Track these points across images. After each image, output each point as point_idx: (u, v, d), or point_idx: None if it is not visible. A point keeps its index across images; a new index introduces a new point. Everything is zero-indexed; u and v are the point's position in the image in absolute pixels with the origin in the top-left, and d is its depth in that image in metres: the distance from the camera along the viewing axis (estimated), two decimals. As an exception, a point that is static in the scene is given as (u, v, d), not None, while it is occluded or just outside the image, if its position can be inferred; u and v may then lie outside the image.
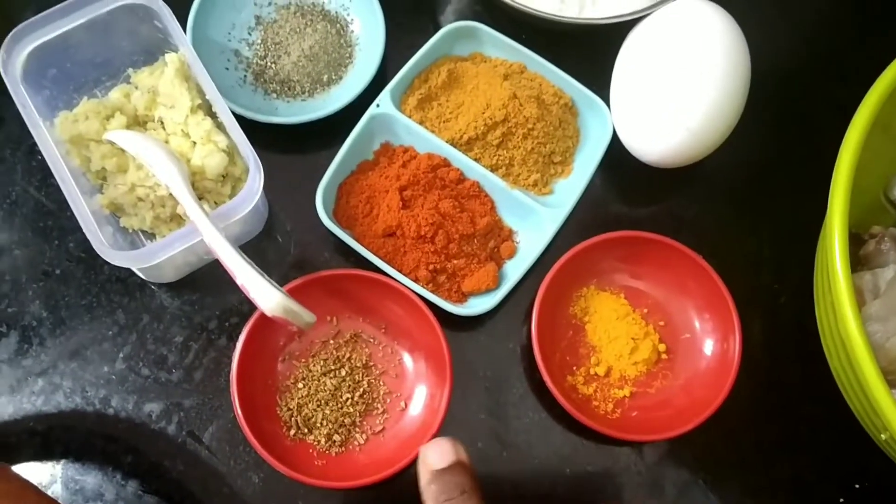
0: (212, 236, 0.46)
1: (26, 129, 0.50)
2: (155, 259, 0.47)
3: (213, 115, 0.53)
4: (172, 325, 0.54)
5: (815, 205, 0.53)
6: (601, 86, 0.57)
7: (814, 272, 0.52)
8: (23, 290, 0.54)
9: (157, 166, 0.49)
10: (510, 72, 0.57)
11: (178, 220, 0.53)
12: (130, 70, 0.56)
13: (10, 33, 0.50)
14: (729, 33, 0.52)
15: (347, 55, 0.59)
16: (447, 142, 0.55)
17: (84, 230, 0.47)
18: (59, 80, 0.54)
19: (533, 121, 0.54)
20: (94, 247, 0.46)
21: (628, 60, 0.54)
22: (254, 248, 0.55)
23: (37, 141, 0.49)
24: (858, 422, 0.50)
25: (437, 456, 0.38)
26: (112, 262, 0.46)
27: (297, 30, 0.58)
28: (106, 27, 0.53)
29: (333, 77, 0.58)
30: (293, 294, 0.46)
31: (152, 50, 0.56)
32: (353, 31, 0.59)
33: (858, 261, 0.53)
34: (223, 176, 0.53)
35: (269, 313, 0.44)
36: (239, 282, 0.45)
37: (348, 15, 0.59)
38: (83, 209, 0.47)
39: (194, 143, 0.52)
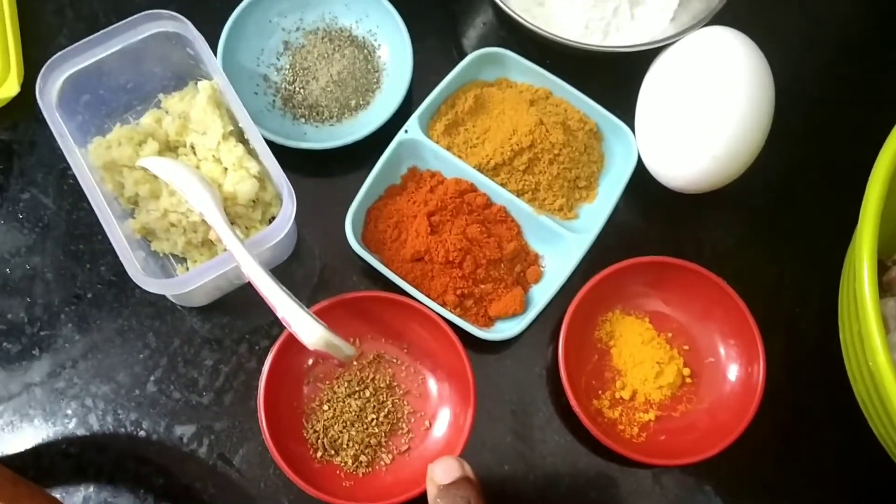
0: (250, 267, 0.46)
1: (58, 153, 0.51)
2: (189, 287, 0.48)
3: (244, 142, 0.54)
4: (203, 348, 0.54)
5: (836, 230, 0.54)
6: (626, 111, 0.57)
7: (837, 298, 0.53)
8: (55, 313, 0.55)
9: (191, 193, 0.49)
10: (536, 97, 0.57)
11: (209, 245, 0.54)
12: (161, 95, 0.57)
13: (47, 63, 0.50)
14: (753, 60, 0.53)
15: (375, 80, 0.59)
16: (474, 167, 0.55)
17: (119, 256, 0.47)
18: (92, 105, 0.55)
19: (559, 146, 0.55)
20: (130, 274, 0.47)
21: (653, 87, 0.55)
22: (282, 271, 0.56)
23: (72, 167, 0.50)
24: (883, 447, 0.50)
25: (443, 472, 0.41)
26: (147, 290, 0.47)
27: (326, 55, 0.59)
28: (139, 54, 0.53)
29: (361, 102, 0.59)
30: (318, 316, 0.46)
31: (183, 75, 0.57)
32: (380, 57, 0.60)
33: (882, 287, 0.53)
34: (254, 201, 0.53)
35: (310, 347, 0.44)
36: (279, 314, 0.45)
37: (375, 40, 0.60)
38: (118, 235, 0.48)
39: (226, 169, 0.53)
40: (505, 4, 0.55)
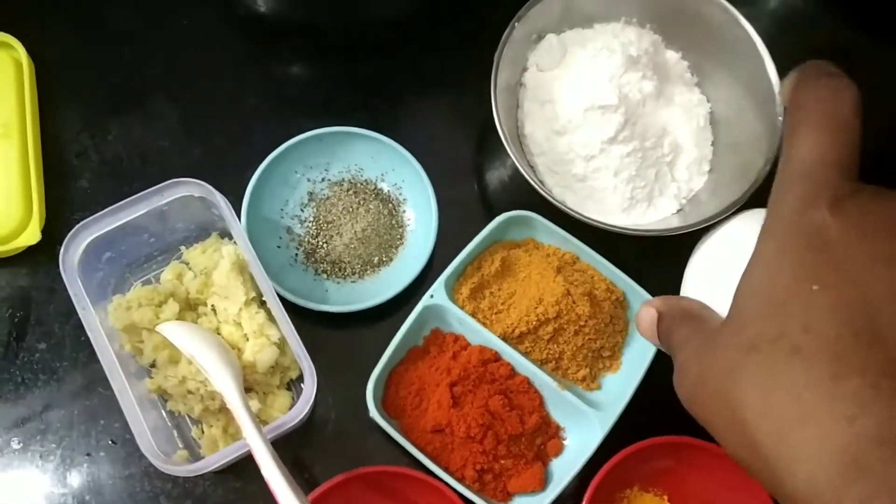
0: (265, 462, 0.45)
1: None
2: (208, 469, 0.47)
3: (264, 303, 0.54)
4: (215, 513, 0.54)
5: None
6: (652, 280, 0.56)
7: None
8: (67, 471, 0.54)
9: (213, 373, 0.48)
10: (563, 263, 0.57)
11: (225, 411, 0.53)
12: (183, 248, 0.56)
13: (72, 230, 0.50)
14: None
15: (399, 236, 0.59)
16: (499, 335, 0.54)
17: (136, 439, 0.47)
18: (113, 260, 0.55)
19: (585, 318, 0.54)
20: (149, 458, 0.46)
21: (701, 269, 0.54)
22: (297, 436, 0.55)
23: (87, 330, 0.49)
24: None
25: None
26: (167, 473, 0.46)
27: (350, 209, 0.58)
28: (163, 214, 0.53)
29: (384, 259, 0.58)
30: (333, 492, 0.45)
31: (205, 226, 0.56)
32: (404, 212, 0.59)
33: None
34: (272, 367, 0.53)
35: None
36: None
37: (401, 195, 0.60)
38: (136, 415, 0.48)
39: (246, 335, 0.52)
40: (536, 181, 0.54)
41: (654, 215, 0.60)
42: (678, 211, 0.60)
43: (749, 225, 0.53)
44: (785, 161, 0.32)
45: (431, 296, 0.55)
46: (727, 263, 0.52)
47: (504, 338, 0.55)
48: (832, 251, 0.28)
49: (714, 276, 0.52)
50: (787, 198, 0.31)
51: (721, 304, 0.51)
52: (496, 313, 0.56)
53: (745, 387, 0.28)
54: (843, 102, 0.32)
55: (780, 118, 0.56)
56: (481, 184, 0.63)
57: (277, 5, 0.66)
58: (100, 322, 0.50)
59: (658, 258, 0.58)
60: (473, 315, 0.55)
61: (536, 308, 0.54)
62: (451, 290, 0.56)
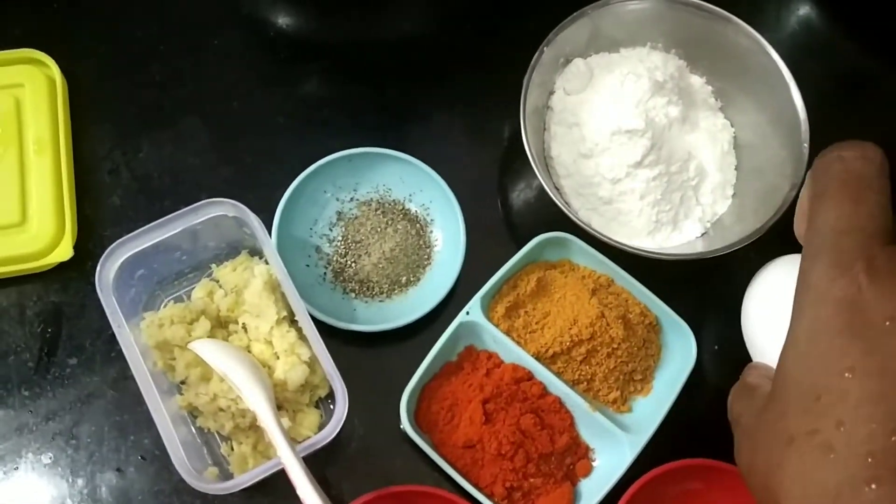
0: (301, 482, 0.46)
1: (107, 320, 0.51)
2: (241, 487, 0.47)
3: (295, 321, 0.54)
4: (245, 531, 0.54)
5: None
6: (684, 304, 0.57)
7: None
8: (97, 487, 0.54)
9: (246, 391, 0.49)
10: (598, 285, 0.57)
11: (256, 429, 0.53)
12: (213, 265, 0.57)
13: (108, 249, 0.51)
14: None
15: (426, 256, 0.59)
16: (532, 354, 0.55)
17: (171, 456, 0.47)
18: (146, 277, 0.55)
19: (618, 341, 0.55)
20: (182, 475, 0.47)
21: (755, 316, 0.54)
22: (323, 453, 0.55)
23: (122, 348, 0.50)
24: None
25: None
26: (199, 490, 0.47)
27: (378, 229, 0.59)
28: (195, 233, 0.54)
29: (412, 279, 0.59)
30: None
31: (235, 244, 0.57)
32: (432, 232, 0.60)
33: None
34: (302, 385, 0.53)
35: None
36: None
37: (428, 215, 0.60)
38: (170, 433, 0.48)
39: (276, 354, 0.53)
40: (563, 204, 0.55)
41: (678, 238, 0.60)
42: (702, 234, 0.61)
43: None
44: (811, 232, 0.31)
45: (467, 313, 0.55)
46: (778, 308, 0.52)
47: (537, 357, 0.55)
48: (865, 325, 0.27)
49: (767, 320, 0.52)
50: (815, 268, 0.30)
51: (774, 351, 0.52)
52: (530, 332, 0.56)
53: (786, 484, 0.28)
54: (867, 162, 0.31)
55: (806, 145, 0.56)
56: (506, 205, 0.63)
57: (305, 26, 0.66)
58: (133, 343, 0.51)
59: (684, 281, 0.59)
60: (508, 333, 0.56)
61: (570, 329, 0.55)
62: (487, 308, 0.56)
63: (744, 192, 0.61)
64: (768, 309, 0.53)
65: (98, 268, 0.51)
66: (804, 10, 0.73)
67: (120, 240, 0.51)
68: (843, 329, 0.28)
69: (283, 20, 0.66)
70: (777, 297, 0.53)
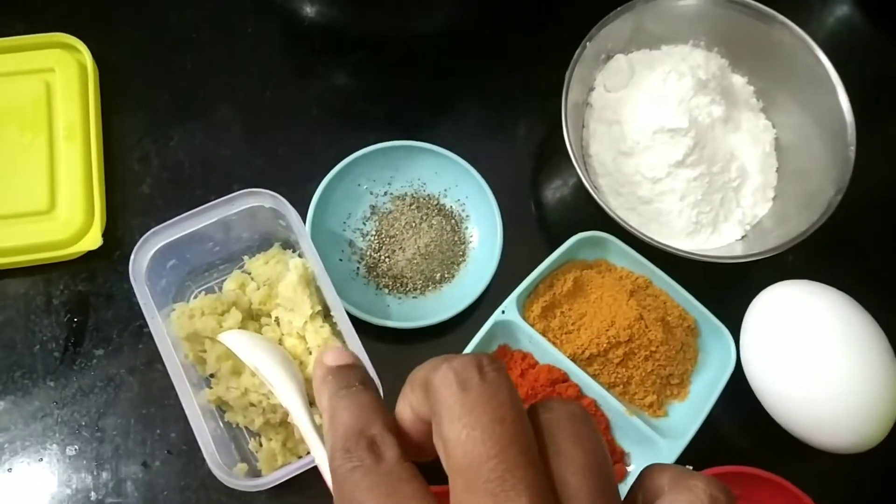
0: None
1: (135, 309, 0.50)
2: (273, 484, 0.46)
3: (329, 316, 0.53)
4: (272, 529, 0.53)
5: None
6: (723, 308, 0.56)
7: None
8: (122, 480, 0.53)
9: (278, 386, 0.47)
10: (636, 287, 0.56)
11: (286, 425, 0.52)
12: (245, 257, 0.56)
13: (142, 238, 0.50)
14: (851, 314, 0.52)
15: (461, 253, 0.58)
16: (568, 356, 0.54)
17: (202, 450, 0.46)
18: (177, 267, 0.54)
19: (657, 344, 0.54)
20: (213, 470, 0.46)
21: (757, 323, 0.54)
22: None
23: (155, 339, 0.49)
24: None
25: (334, 355, 0.33)
26: (230, 486, 0.46)
27: (413, 224, 0.58)
28: (229, 224, 0.53)
29: (446, 275, 0.57)
30: None
31: (268, 236, 0.56)
32: (467, 228, 0.59)
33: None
34: (335, 381, 0.52)
35: None
36: None
37: (464, 210, 0.59)
38: (202, 428, 0.47)
39: (309, 349, 0.52)
40: (604, 203, 0.54)
41: (718, 241, 0.59)
42: (742, 237, 0.59)
43: (793, 293, 0.53)
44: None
45: (503, 311, 0.54)
46: (777, 330, 0.52)
47: (573, 358, 0.54)
48: None
49: (766, 342, 0.51)
50: None
51: (772, 369, 0.51)
52: (566, 333, 0.55)
53: None
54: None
55: (852, 147, 0.55)
56: (541, 203, 0.62)
57: (341, 17, 0.65)
58: (165, 332, 0.50)
59: (723, 284, 0.58)
60: (543, 334, 0.54)
61: (608, 330, 0.54)
62: (522, 308, 0.55)
63: (785, 194, 0.60)
64: (764, 336, 0.53)
65: (132, 256, 0.49)
66: (843, 11, 0.72)
67: (154, 228, 0.50)
68: None
69: (318, 10, 0.65)
70: (772, 325, 0.53)
